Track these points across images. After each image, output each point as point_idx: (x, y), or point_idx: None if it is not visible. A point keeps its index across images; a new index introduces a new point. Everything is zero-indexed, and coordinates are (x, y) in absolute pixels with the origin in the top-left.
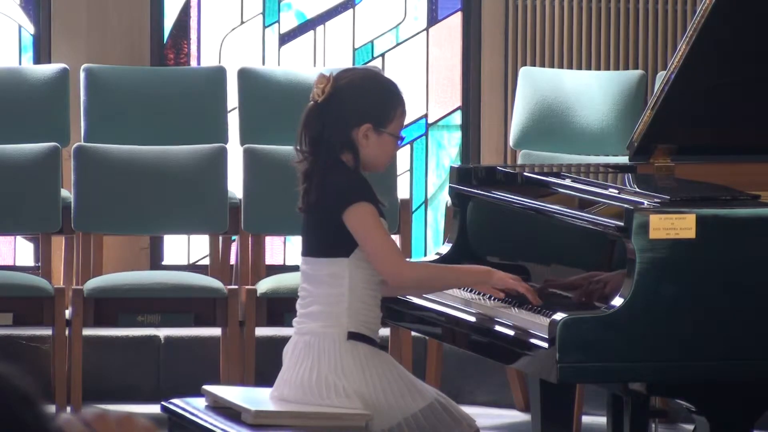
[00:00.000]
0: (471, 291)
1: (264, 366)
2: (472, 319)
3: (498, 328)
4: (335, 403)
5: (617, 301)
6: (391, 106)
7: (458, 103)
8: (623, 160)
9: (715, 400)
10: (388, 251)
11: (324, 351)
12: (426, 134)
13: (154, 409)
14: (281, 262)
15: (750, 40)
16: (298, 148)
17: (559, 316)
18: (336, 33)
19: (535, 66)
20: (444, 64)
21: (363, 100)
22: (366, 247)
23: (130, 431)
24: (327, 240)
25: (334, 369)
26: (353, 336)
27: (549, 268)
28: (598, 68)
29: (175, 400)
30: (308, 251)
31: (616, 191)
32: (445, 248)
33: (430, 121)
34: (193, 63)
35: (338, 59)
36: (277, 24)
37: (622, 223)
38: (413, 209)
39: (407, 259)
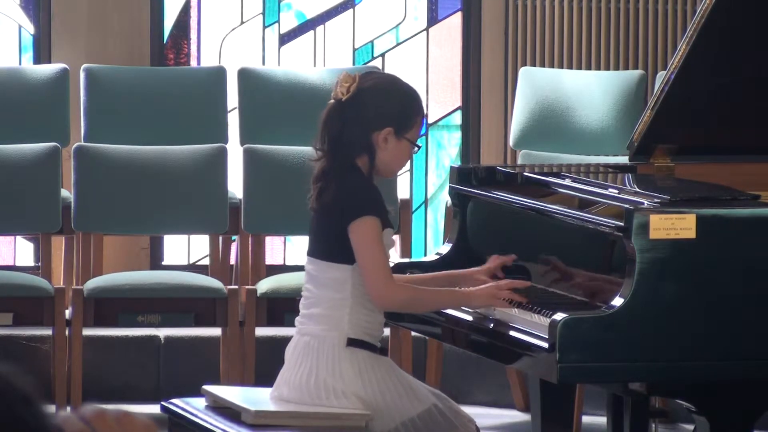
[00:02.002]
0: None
1: (264, 366)
2: (472, 319)
3: (498, 328)
4: (334, 404)
5: (617, 301)
6: (413, 113)
7: (458, 103)
8: (623, 160)
9: (715, 400)
10: (379, 272)
11: (323, 354)
12: (426, 134)
13: (154, 409)
14: (281, 262)
15: (750, 40)
16: (317, 146)
17: (559, 316)
18: (336, 33)
19: (535, 66)
20: (444, 64)
21: (388, 103)
22: (360, 262)
23: (128, 429)
24: (333, 244)
25: (332, 373)
26: (353, 342)
27: (549, 268)
28: (598, 68)
29: (175, 400)
30: (314, 252)
31: (616, 191)
32: (445, 248)
33: (430, 121)
34: (193, 63)
35: (338, 59)
36: (277, 24)
37: (622, 223)
38: (413, 209)
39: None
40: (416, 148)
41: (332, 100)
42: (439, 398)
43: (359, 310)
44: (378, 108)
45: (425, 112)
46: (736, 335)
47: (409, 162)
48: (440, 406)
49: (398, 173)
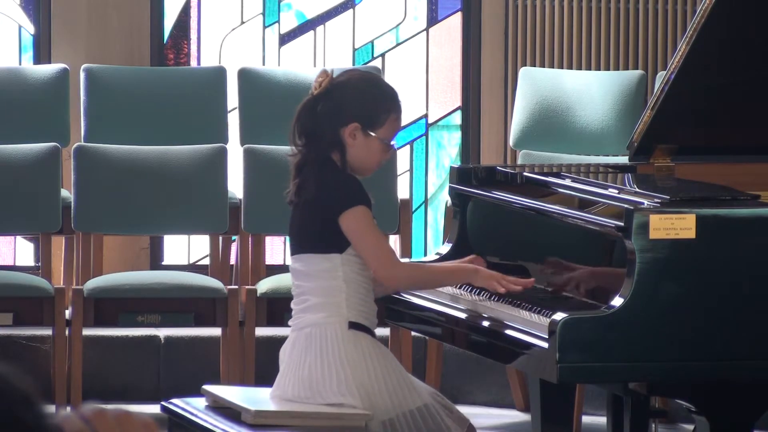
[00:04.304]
0: (471, 291)
1: (264, 366)
2: (472, 318)
3: (498, 327)
4: (337, 394)
5: (617, 301)
6: (383, 110)
7: (458, 103)
8: (623, 160)
9: (715, 400)
10: (384, 254)
11: (327, 340)
12: (426, 134)
13: (154, 409)
14: (281, 262)
15: (750, 40)
16: (292, 142)
17: (559, 316)
18: (336, 33)
19: (535, 66)
20: (444, 64)
21: (355, 98)
22: (362, 250)
23: (128, 428)
24: (321, 236)
25: (338, 357)
26: (354, 326)
27: (549, 268)
28: (598, 68)
29: (175, 400)
30: (300, 248)
31: (616, 191)
32: (445, 248)
33: (430, 121)
34: (193, 63)
35: (338, 59)
36: (277, 24)
37: (622, 223)
38: (413, 209)
39: (400, 260)
40: (390, 149)
41: (307, 96)
42: (436, 396)
43: (354, 296)
44: (345, 103)
45: (425, 112)
46: (736, 335)
47: (409, 160)
48: (438, 402)
49: (373, 172)
